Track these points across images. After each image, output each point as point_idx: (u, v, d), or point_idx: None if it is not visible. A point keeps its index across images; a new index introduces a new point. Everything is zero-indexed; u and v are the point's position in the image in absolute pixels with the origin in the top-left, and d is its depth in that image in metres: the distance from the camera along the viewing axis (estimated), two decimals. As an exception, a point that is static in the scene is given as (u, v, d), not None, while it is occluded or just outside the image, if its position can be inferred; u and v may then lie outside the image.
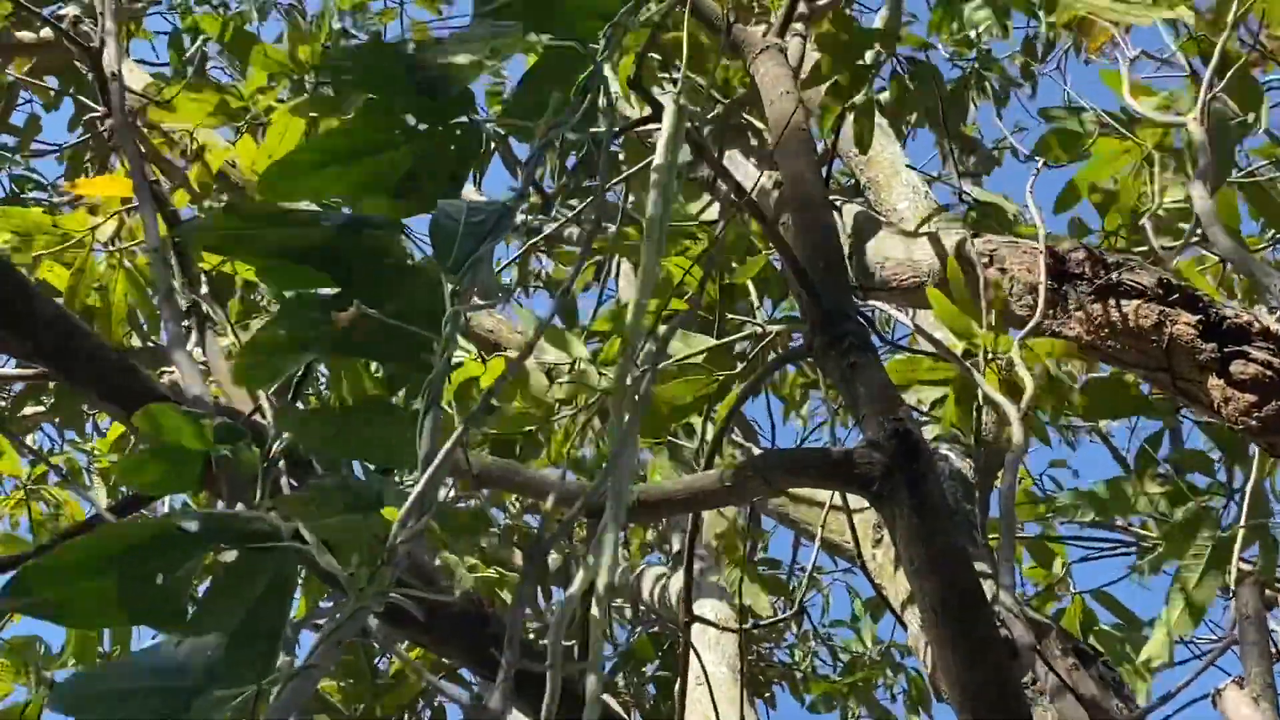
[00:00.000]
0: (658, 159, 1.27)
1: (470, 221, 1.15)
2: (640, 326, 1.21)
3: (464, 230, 1.14)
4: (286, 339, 1.16)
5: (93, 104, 4.33)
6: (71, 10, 4.77)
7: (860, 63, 3.65)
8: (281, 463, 1.50)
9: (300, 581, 1.12)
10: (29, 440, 5.46)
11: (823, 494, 3.89)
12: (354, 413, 1.28)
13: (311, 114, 3.76)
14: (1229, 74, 3.86)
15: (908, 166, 4.34)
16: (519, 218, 1.21)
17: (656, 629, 6.05)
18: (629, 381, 1.17)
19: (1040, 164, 4.13)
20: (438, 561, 4.14)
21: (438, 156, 1.29)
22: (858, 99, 3.61)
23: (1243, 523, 3.60)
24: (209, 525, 1.05)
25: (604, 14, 1.27)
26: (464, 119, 1.27)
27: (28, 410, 5.15)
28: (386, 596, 1.05)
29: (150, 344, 4.29)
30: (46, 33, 5.30)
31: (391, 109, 1.26)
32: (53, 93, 5.66)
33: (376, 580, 1.04)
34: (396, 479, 1.22)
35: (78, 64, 5.02)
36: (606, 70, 1.25)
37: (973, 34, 4.30)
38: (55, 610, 1.05)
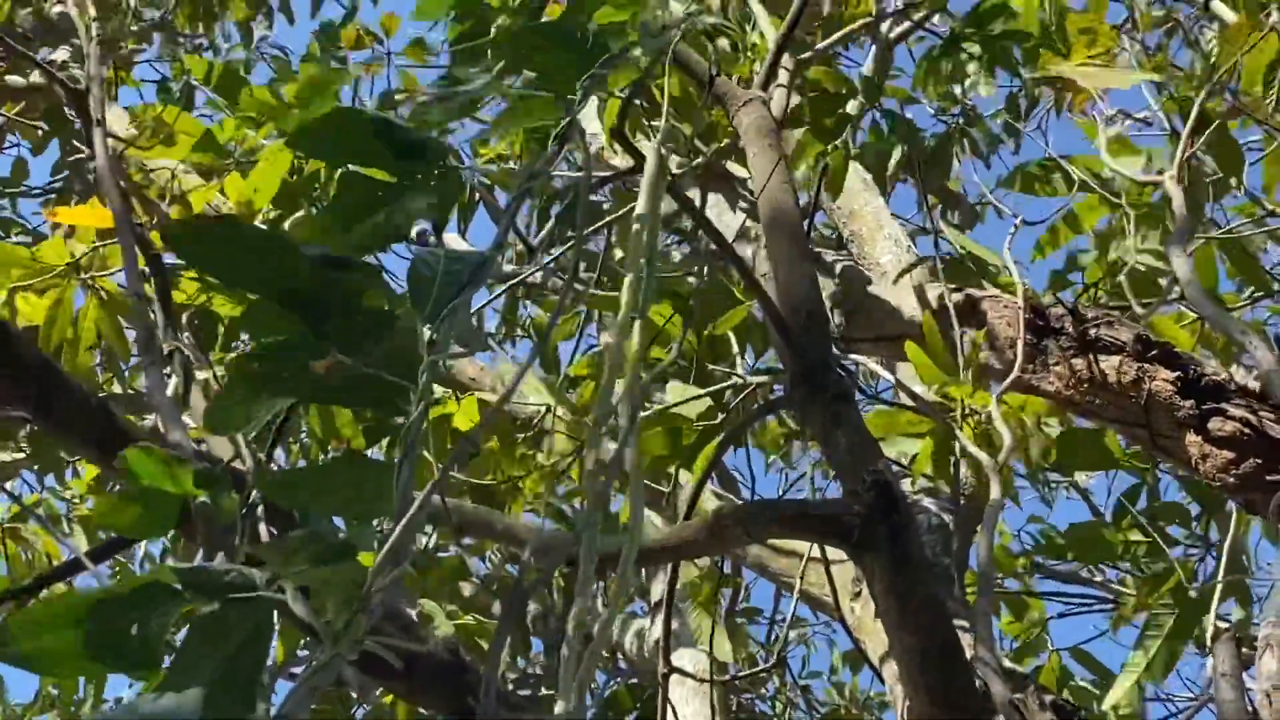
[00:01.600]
0: (639, 208, 1.28)
1: (449, 270, 1.15)
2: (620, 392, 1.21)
3: (442, 278, 1.14)
4: (262, 383, 1.16)
5: (79, 147, 4.34)
6: (61, 54, 4.78)
7: (842, 111, 3.69)
8: (260, 509, 1.49)
9: (277, 629, 1.12)
10: (9, 487, 5.41)
11: (802, 545, 3.87)
12: (331, 466, 1.28)
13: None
14: (1207, 132, 3.90)
15: (893, 214, 4.36)
16: (501, 265, 1.21)
17: (636, 680, 6.01)
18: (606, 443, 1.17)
19: (1018, 221, 4.16)
20: (414, 613, 4.12)
21: (418, 201, 1.30)
22: (836, 142, 3.64)
23: (1219, 579, 3.60)
24: (186, 579, 1.05)
25: (583, 64, 1.29)
26: (443, 165, 1.28)
27: (6, 456, 5.11)
28: (362, 644, 1.04)
29: (131, 391, 4.28)
30: (36, 77, 5.31)
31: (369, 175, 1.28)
32: (40, 133, 5.65)
33: (352, 629, 1.04)
34: (376, 526, 1.22)
35: (65, 108, 5.03)
36: (586, 120, 1.26)
37: (957, 90, 4.33)
38: (34, 661, 1.06)
